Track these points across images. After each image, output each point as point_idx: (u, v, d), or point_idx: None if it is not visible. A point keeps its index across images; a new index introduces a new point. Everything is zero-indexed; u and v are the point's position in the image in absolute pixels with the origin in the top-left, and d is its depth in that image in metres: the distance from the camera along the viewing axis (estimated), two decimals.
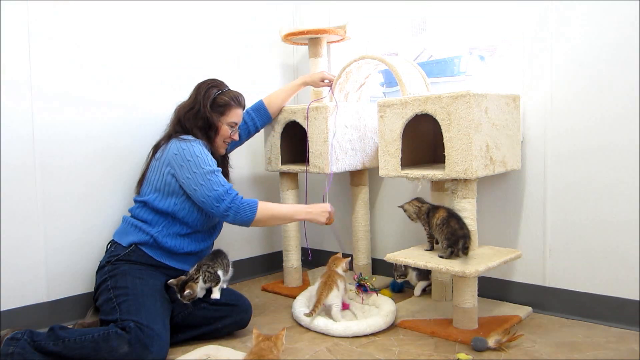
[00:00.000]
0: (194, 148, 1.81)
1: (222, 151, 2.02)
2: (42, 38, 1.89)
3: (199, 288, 1.73)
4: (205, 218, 1.90)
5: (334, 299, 1.84)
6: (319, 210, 1.92)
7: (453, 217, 1.74)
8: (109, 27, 2.06)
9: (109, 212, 2.08)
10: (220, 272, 1.79)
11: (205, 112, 1.92)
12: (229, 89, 2.01)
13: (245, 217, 1.80)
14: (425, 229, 1.86)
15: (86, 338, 1.52)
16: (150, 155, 1.97)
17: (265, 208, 1.84)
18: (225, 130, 1.97)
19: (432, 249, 1.86)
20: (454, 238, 1.71)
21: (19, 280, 1.87)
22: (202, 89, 1.96)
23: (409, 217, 1.90)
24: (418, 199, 1.89)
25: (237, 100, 1.98)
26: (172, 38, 2.27)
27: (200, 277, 1.73)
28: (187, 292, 1.68)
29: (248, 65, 2.58)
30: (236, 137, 2.04)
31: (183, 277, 1.73)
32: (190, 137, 1.86)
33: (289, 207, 1.98)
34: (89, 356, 1.50)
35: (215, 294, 1.76)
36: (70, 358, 1.50)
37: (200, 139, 1.88)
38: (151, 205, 1.86)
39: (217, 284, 1.77)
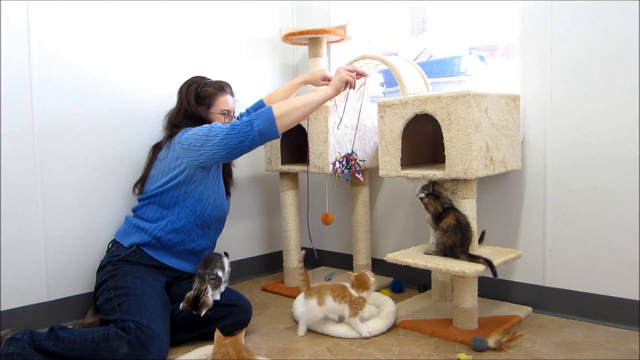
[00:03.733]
0: (186, 133, 1.84)
1: None
2: (42, 33, 1.89)
3: (211, 298, 1.68)
4: (212, 207, 1.91)
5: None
6: (335, 85, 1.82)
7: (459, 228, 1.73)
8: (110, 25, 2.06)
9: (110, 211, 2.08)
10: (220, 273, 1.78)
11: (191, 109, 1.93)
12: (211, 81, 2.01)
13: (267, 116, 1.74)
14: (433, 229, 1.84)
15: (86, 338, 1.52)
16: (151, 155, 1.97)
17: (279, 104, 1.78)
18: (218, 119, 1.98)
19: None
20: (450, 249, 1.73)
21: (19, 280, 1.87)
22: (184, 89, 1.99)
23: (426, 209, 1.83)
24: (439, 198, 1.81)
25: (220, 88, 1.99)
26: (171, 38, 2.26)
27: (209, 286, 1.68)
28: (205, 309, 1.64)
29: (248, 65, 2.58)
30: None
31: (189, 295, 1.66)
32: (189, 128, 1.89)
33: (303, 95, 1.84)
34: (89, 356, 1.50)
35: (216, 296, 1.76)
36: (70, 358, 1.50)
37: None
38: (158, 199, 1.86)
39: (219, 285, 1.75)
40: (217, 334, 1.46)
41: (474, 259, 1.70)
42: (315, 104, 1.81)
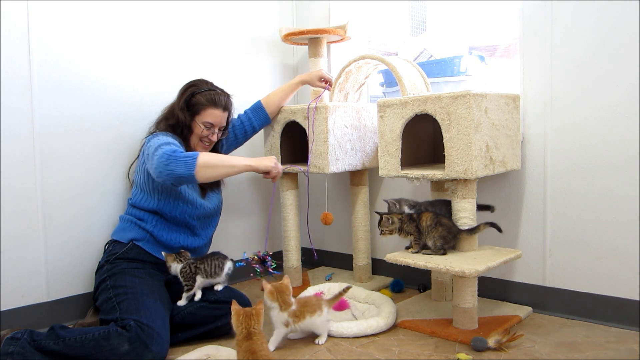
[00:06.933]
0: (152, 140, 1.84)
1: (202, 150, 2.00)
2: (42, 33, 1.89)
3: (174, 269, 1.78)
4: (192, 208, 1.92)
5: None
6: (262, 162, 1.89)
7: (442, 216, 1.78)
8: (110, 25, 2.06)
9: (109, 212, 2.08)
10: (200, 278, 1.78)
11: (177, 111, 1.95)
12: (210, 89, 1.99)
13: (188, 162, 1.71)
14: (410, 236, 1.84)
15: (87, 337, 1.52)
16: (137, 156, 2.02)
17: (206, 155, 1.79)
18: (199, 129, 1.97)
19: (418, 251, 1.83)
20: (450, 235, 1.74)
21: (19, 280, 1.86)
22: (183, 89, 2.01)
23: (389, 232, 1.85)
24: (393, 213, 1.87)
25: (212, 100, 1.96)
26: (172, 38, 2.26)
27: (181, 264, 1.78)
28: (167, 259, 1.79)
29: (248, 65, 2.58)
30: (214, 138, 2.01)
31: (182, 253, 1.82)
32: (158, 133, 1.92)
33: (230, 157, 1.92)
34: (90, 355, 1.50)
35: (183, 301, 1.77)
36: (71, 357, 1.50)
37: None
38: (139, 206, 1.90)
39: (187, 289, 1.76)
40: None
41: (475, 230, 1.76)
42: (239, 169, 1.85)
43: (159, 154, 1.73)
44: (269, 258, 2.00)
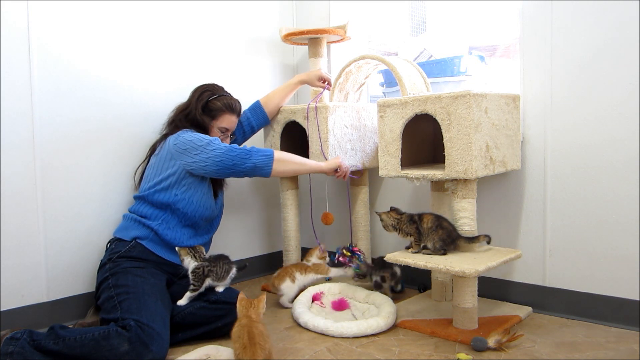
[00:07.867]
0: (185, 135, 1.90)
1: None
2: (42, 33, 1.89)
3: (187, 263, 1.77)
4: (203, 208, 1.94)
5: (286, 289, 2.06)
6: (330, 164, 2.03)
7: (444, 220, 1.78)
8: (110, 25, 2.06)
9: (109, 211, 2.08)
10: (208, 281, 1.78)
11: (196, 115, 1.98)
12: (224, 95, 2.04)
13: (267, 155, 1.89)
14: (410, 237, 1.84)
15: (87, 337, 1.52)
16: (148, 155, 2.03)
17: (283, 152, 1.97)
18: (215, 133, 2.03)
19: (419, 252, 1.83)
20: (450, 239, 1.75)
21: (19, 280, 1.86)
22: (197, 92, 2.04)
23: (384, 228, 1.90)
24: (395, 210, 1.89)
25: (229, 106, 2.03)
26: (172, 38, 2.26)
27: (196, 261, 1.76)
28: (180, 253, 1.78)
29: (248, 65, 2.58)
30: (227, 142, 2.08)
31: (197, 249, 1.81)
32: (187, 129, 1.96)
33: (301, 157, 2.03)
34: (90, 355, 1.50)
35: (184, 300, 1.76)
36: (70, 356, 1.50)
37: None
38: (150, 199, 1.90)
39: (193, 289, 1.76)
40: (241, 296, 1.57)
41: (474, 240, 1.76)
42: (309, 168, 2.03)
43: (223, 147, 1.85)
44: (358, 249, 2.21)
